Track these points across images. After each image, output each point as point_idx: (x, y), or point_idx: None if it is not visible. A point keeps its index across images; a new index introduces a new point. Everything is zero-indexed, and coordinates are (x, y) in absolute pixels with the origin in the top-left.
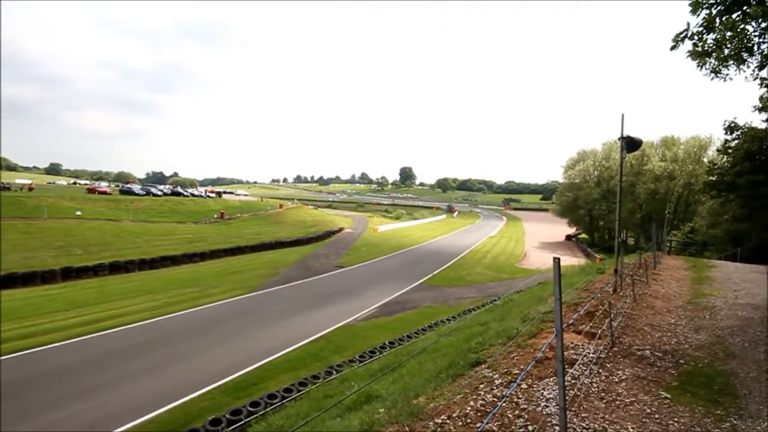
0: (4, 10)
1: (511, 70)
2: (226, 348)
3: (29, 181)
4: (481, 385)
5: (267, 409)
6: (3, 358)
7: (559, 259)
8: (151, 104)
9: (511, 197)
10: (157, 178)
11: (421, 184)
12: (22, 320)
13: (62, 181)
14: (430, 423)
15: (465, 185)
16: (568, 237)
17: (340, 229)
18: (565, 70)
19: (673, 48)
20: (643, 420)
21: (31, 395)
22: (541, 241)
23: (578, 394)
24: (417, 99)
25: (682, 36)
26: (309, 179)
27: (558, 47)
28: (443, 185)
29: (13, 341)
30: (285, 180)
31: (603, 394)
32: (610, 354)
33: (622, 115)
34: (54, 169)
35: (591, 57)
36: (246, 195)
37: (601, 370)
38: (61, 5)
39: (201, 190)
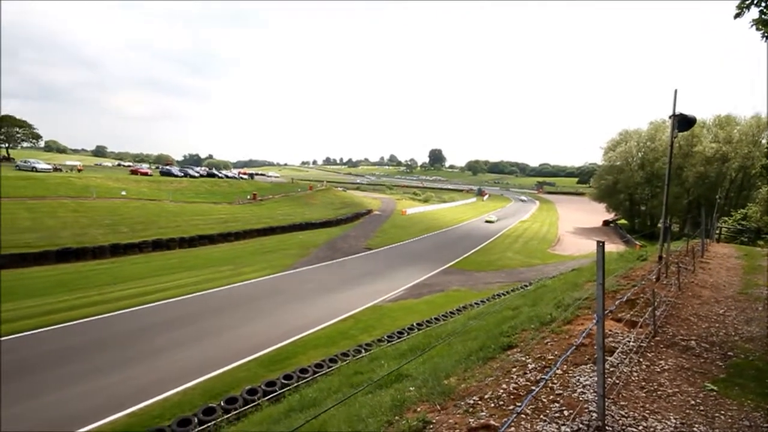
0: (41, 7)
1: (547, 48)
2: (261, 323)
3: (78, 163)
4: (514, 369)
5: (299, 383)
6: (58, 326)
7: (603, 243)
8: (187, 88)
9: (545, 180)
10: (194, 160)
11: (451, 167)
12: (76, 292)
13: (108, 163)
14: (462, 403)
15: (496, 168)
16: (606, 222)
17: (369, 212)
18: (606, 47)
19: (737, 16)
20: (687, 411)
21: (82, 363)
22: (575, 226)
23: (617, 382)
24: (449, 81)
25: (748, 2)
26: (338, 161)
27: (600, 21)
28: (474, 168)
29: (70, 311)
30: (314, 162)
31: (644, 384)
32: (652, 343)
33: (675, 91)
34: (100, 152)
35: (636, 31)
36: (277, 177)
37: (641, 360)
38: None
39: (234, 171)
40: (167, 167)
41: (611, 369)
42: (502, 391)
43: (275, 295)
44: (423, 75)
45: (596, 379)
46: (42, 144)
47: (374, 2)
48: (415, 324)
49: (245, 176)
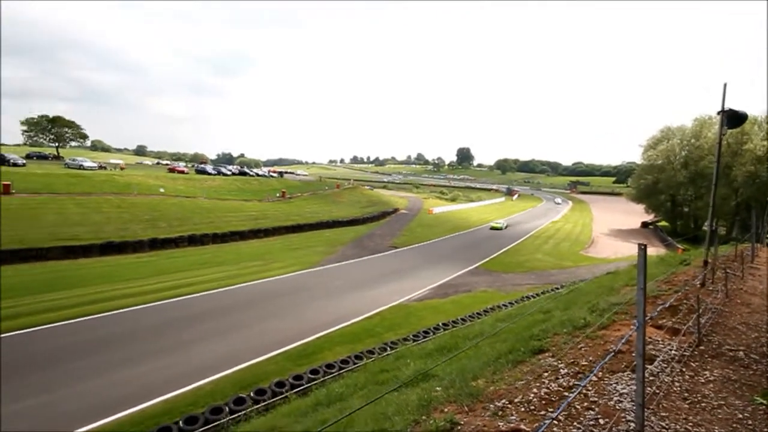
0: (90, 7)
1: (583, 42)
2: (289, 318)
3: (121, 162)
4: (545, 374)
5: (325, 378)
6: (98, 315)
7: (645, 245)
8: (221, 89)
9: (579, 180)
10: (226, 158)
11: (479, 166)
12: (117, 283)
13: (147, 161)
14: (491, 405)
15: (527, 167)
16: (645, 224)
17: (395, 210)
18: (649, 40)
19: None
20: (734, 425)
21: (115, 352)
22: (611, 227)
23: (657, 392)
24: (478, 78)
25: None
26: (365, 160)
27: (642, 13)
28: (503, 166)
29: (110, 301)
30: (342, 161)
31: (686, 395)
32: (696, 353)
33: (724, 85)
34: (140, 151)
35: (682, 23)
36: (305, 175)
37: (684, 369)
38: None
39: (265, 170)
40: (202, 165)
41: (651, 378)
42: (532, 395)
43: (303, 291)
44: (452, 72)
45: (635, 387)
46: (89, 143)
47: (402, 1)
48: (441, 324)
49: (275, 174)
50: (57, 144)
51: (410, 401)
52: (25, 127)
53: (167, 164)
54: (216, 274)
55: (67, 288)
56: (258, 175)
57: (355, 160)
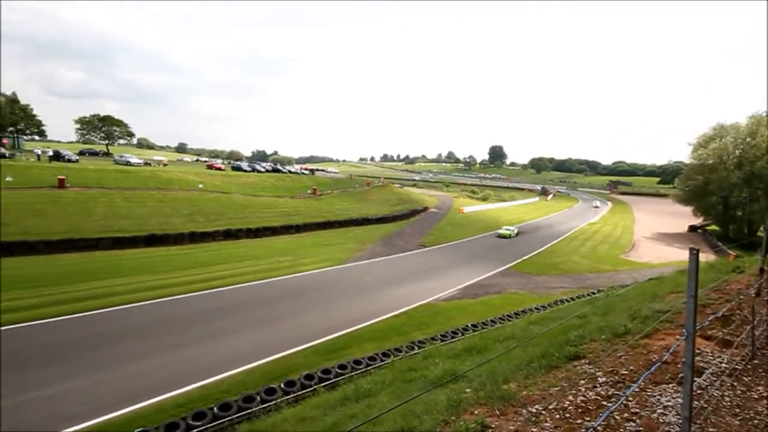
0: (144, 10)
1: (626, 34)
2: (317, 313)
3: (164, 159)
4: (582, 381)
5: (353, 373)
6: (142, 303)
7: (697, 250)
8: (256, 88)
9: (619, 180)
10: (260, 156)
11: (512, 164)
12: (159, 274)
13: (188, 158)
14: (523, 411)
15: (563, 166)
16: (693, 228)
17: (425, 209)
18: (701, 31)
19: None
20: None
21: (156, 338)
22: (655, 231)
23: (705, 406)
24: (511, 74)
25: None
26: (395, 158)
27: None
28: (537, 165)
29: (152, 290)
30: (372, 158)
31: (737, 410)
32: (749, 366)
33: None
34: (181, 148)
35: (734, 14)
36: (336, 172)
37: (735, 384)
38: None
39: (297, 167)
40: (238, 162)
41: (699, 391)
42: (568, 403)
43: (332, 287)
44: (484, 69)
45: (680, 400)
46: (135, 141)
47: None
48: (470, 325)
49: (306, 172)
50: (107, 141)
51: (439, 401)
52: (78, 126)
53: (206, 161)
54: (249, 268)
55: (115, 276)
56: (290, 172)
57: (385, 158)
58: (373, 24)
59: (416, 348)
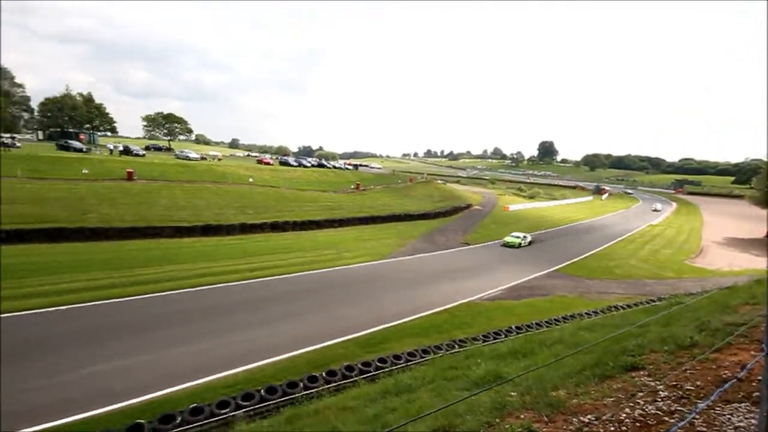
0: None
1: (691, 17)
2: (358, 306)
3: (218, 154)
4: (640, 393)
5: (392, 368)
6: (200, 288)
7: None
8: (302, 86)
9: (686, 178)
10: (306, 151)
11: (564, 161)
12: (213, 261)
13: (240, 153)
14: (574, 420)
15: (621, 163)
16: None
17: (468, 206)
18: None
19: None
20: None
21: (209, 322)
22: (726, 235)
23: None
24: (563, 66)
25: None
26: (438, 154)
27: None
28: (591, 162)
29: (207, 276)
30: (415, 154)
31: None
32: None
33: None
34: (234, 144)
35: None
36: (379, 168)
37: None
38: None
39: (341, 162)
40: (285, 158)
41: None
42: (624, 415)
43: (372, 282)
44: (535, 61)
45: (755, 422)
46: (193, 137)
47: None
48: (513, 327)
49: (350, 167)
50: (169, 137)
51: (482, 402)
52: (145, 123)
53: (256, 156)
54: (295, 259)
55: (175, 263)
56: (335, 167)
57: (428, 153)
58: (418, 17)
59: (457, 347)
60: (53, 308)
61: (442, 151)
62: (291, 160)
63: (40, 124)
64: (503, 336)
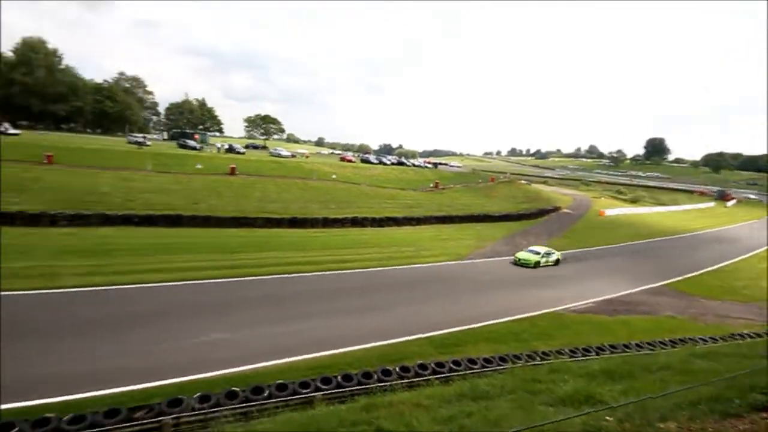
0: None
1: None
2: (434, 305)
3: (306, 152)
4: None
5: (467, 372)
6: (287, 275)
7: None
8: (383, 85)
9: None
10: (387, 149)
11: (677, 161)
12: (299, 252)
13: (325, 151)
14: None
15: (753, 164)
16: None
17: (556, 209)
18: None
19: None
20: None
21: (292, 307)
22: None
23: None
24: (676, 50)
25: None
26: (524, 152)
27: None
28: (714, 162)
29: (294, 265)
30: (498, 153)
31: None
32: None
33: None
34: (320, 142)
35: None
36: (459, 167)
37: None
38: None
39: (420, 160)
40: (366, 155)
41: None
42: None
43: (449, 282)
44: (638, 47)
45: None
46: (285, 136)
47: None
48: (606, 345)
49: (429, 165)
50: (264, 137)
51: (573, 423)
52: (246, 124)
53: (339, 154)
54: (373, 255)
55: (266, 251)
56: (414, 165)
57: (513, 152)
58: (497, 5)
59: (538, 358)
60: (166, 283)
61: (528, 150)
62: (372, 158)
63: (165, 125)
64: (594, 353)
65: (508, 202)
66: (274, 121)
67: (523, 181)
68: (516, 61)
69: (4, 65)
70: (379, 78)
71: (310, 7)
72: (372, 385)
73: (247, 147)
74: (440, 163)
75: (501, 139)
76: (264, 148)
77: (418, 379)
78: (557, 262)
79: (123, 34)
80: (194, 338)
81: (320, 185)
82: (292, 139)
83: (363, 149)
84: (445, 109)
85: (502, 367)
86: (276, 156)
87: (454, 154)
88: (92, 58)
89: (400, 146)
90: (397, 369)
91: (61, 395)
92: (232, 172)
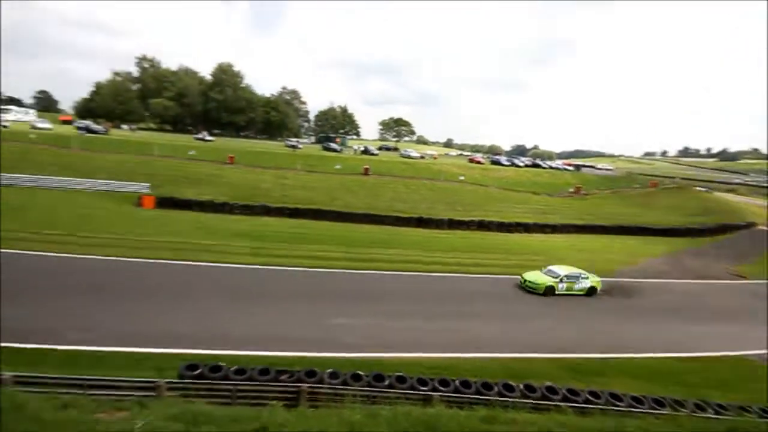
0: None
1: None
2: (569, 324)
3: (435, 153)
4: None
5: (609, 407)
6: (412, 273)
7: None
8: (519, 80)
9: None
10: (520, 150)
11: None
12: (424, 251)
13: (453, 153)
14: None
15: None
16: None
17: (749, 225)
18: None
19: None
20: None
21: (415, 304)
22: None
23: None
24: None
25: None
26: (702, 152)
27: None
28: None
29: (417, 263)
30: (664, 153)
31: None
32: None
33: None
34: (448, 143)
35: None
36: (609, 169)
37: None
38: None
39: (558, 162)
40: (496, 157)
41: None
42: None
43: (586, 300)
44: None
45: None
46: (415, 138)
47: None
48: None
49: (570, 168)
50: (396, 139)
51: None
52: (380, 127)
53: (468, 155)
54: (498, 261)
55: (393, 247)
56: (551, 167)
57: (685, 152)
58: None
59: (710, 410)
60: (299, 268)
61: (709, 149)
62: (503, 159)
63: (314, 131)
64: None
65: (674, 213)
66: (406, 124)
67: (699, 189)
68: (684, 43)
69: (205, 85)
70: (514, 76)
71: (444, 5)
72: (491, 398)
73: (380, 149)
74: (584, 165)
75: (668, 137)
76: (395, 149)
77: (545, 402)
78: (591, 291)
79: (283, 52)
80: (325, 320)
81: (447, 186)
82: (421, 141)
83: (493, 150)
84: (593, 104)
85: (658, 412)
86: (406, 157)
87: (601, 155)
88: (261, 75)
89: (536, 147)
90: (521, 386)
91: (231, 349)
92: (366, 172)
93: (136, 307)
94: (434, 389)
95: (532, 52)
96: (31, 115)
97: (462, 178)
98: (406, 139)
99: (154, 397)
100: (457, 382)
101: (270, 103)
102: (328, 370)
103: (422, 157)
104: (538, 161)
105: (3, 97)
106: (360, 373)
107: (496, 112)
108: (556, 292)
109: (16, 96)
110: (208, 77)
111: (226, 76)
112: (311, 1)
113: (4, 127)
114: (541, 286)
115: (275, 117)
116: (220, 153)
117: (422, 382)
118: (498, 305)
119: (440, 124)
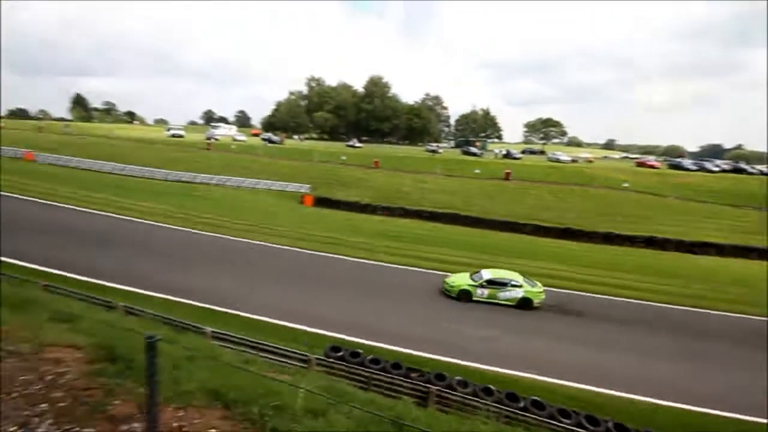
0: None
1: None
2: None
3: (590, 155)
4: None
5: None
6: (554, 289)
7: None
8: (719, 65)
9: None
10: (713, 151)
11: None
12: (566, 266)
13: (615, 155)
14: None
15: None
16: None
17: None
18: None
19: None
20: None
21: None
22: None
23: None
24: None
25: None
26: None
27: None
28: None
29: (558, 279)
30: None
31: None
32: None
33: None
34: (609, 145)
35: None
36: None
37: None
38: None
39: None
40: (677, 159)
41: None
42: None
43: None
44: None
45: None
46: (566, 139)
47: None
48: None
49: None
50: (543, 141)
51: None
52: (525, 129)
53: (635, 158)
54: (675, 288)
55: (531, 259)
56: (763, 173)
57: None
58: None
59: None
60: (428, 270)
61: None
62: (687, 162)
63: (454, 135)
64: None
65: None
66: (556, 124)
67: None
68: None
69: (357, 98)
70: (707, 56)
71: None
72: None
73: (523, 152)
74: None
75: None
76: (541, 153)
77: None
78: (526, 303)
79: (428, 57)
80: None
81: (605, 194)
82: (573, 143)
83: (672, 151)
84: None
85: None
86: (554, 161)
87: None
88: (406, 83)
89: (739, 146)
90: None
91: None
92: (507, 177)
93: (291, 289)
94: (580, 425)
95: (738, 29)
96: (233, 131)
97: (626, 184)
98: (556, 141)
99: (305, 368)
100: (610, 424)
101: (413, 110)
102: (457, 378)
103: (574, 161)
104: (742, 165)
105: (215, 116)
106: (492, 387)
107: (679, 105)
108: (473, 298)
109: (224, 115)
110: (361, 90)
111: (376, 87)
112: (457, 3)
113: (216, 140)
114: (455, 288)
115: (417, 123)
116: (366, 158)
117: (564, 413)
118: (681, 343)
119: (598, 123)
